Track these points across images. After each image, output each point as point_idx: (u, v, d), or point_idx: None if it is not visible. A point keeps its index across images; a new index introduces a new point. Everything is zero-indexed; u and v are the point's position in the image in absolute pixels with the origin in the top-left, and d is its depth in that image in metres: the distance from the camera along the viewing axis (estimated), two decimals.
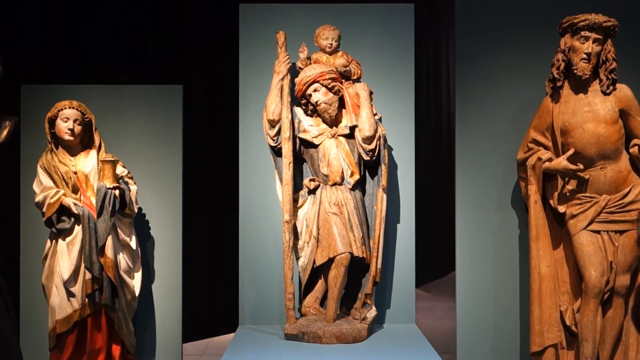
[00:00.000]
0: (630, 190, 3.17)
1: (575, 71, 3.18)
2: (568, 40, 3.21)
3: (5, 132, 1.23)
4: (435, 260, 7.79)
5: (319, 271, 3.53)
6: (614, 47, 3.18)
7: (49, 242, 3.57)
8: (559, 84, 3.25)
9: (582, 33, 3.15)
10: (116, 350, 3.62)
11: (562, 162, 3.16)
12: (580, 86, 3.23)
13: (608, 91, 3.19)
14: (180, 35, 5.34)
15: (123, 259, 3.62)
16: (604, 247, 3.18)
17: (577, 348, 3.24)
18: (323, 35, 3.58)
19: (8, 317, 1.31)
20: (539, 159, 3.24)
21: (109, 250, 3.51)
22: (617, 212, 3.18)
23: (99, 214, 3.49)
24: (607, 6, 3.31)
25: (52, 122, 3.57)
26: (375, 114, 3.51)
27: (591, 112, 3.17)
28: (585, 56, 3.15)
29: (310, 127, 3.53)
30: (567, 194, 3.23)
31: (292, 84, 3.53)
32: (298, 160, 3.58)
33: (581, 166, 3.14)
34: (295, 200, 3.49)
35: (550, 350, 3.26)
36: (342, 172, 3.48)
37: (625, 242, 3.17)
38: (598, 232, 3.19)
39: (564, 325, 3.28)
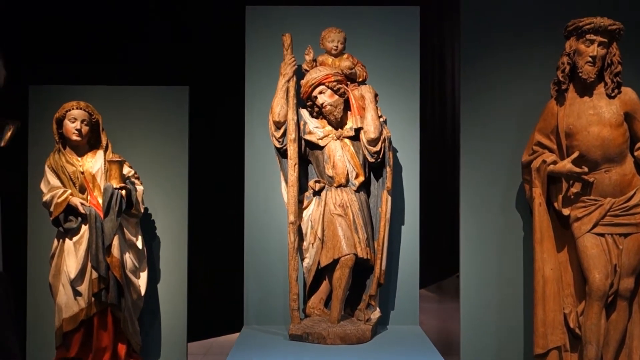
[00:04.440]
0: (634, 193, 3.17)
1: (580, 74, 3.19)
2: (573, 44, 3.21)
3: (7, 136, 1.25)
4: (440, 262, 7.79)
5: (323, 272, 3.54)
6: (619, 51, 3.19)
7: (56, 241, 3.60)
8: (564, 87, 3.26)
9: (587, 36, 3.15)
10: (122, 349, 3.65)
11: (566, 164, 3.16)
12: (585, 89, 3.24)
13: (613, 94, 3.19)
14: (186, 37, 5.37)
15: (129, 259, 3.64)
16: (608, 250, 3.18)
17: (581, 351, 3.24)
18: (329, 37, 3.60)
19: (9, 316, 1.32)
20: (544, 161, 3.25)
21: (115, 250, 3.53)
22: (622, 215, 3.18)
23: (106, 214, 3.51)
24: (613, 9, 3.31)
25: (60, 122, 3.60)
26: (380, 116, 3.52)
27: (596, 115, 3.18)
28: (590, 59, 3.15)
29: (316, 129, 3.54)
30: (572, 196, 3.24)
31: (298, 86, 3.55)
32: (303, 162, 3.60)
33: (586, 169, 3.14)
34: (300, 202, 3.51)
35: (553, 352, 3.26)
36: (347, 174, 3.50)
37: (630, 245, 3.17)
38: (602, 235, 3.19)
39: (567, 328, 3.28)
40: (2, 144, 1.26)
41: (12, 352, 1.28)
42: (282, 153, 3.54)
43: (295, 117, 3.48)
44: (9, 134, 1.27)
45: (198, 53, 5.39)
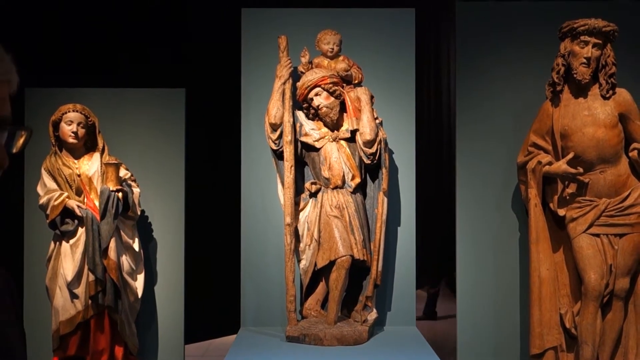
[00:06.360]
0: (629, 193, 3.19)
1: (575, 75, 3.20)
2: (568, 45, 3.22)
3: (20, 143, 1.24)
4: (436, 263, 7.79)
5: (320, 274, 3.54)
6: (613, 52, 3.20)
7: (52, 244, 3.59)
8: (558, 88, 3.27)
9: (582, 37, 3.16)
10: (119, 351, 3.65)
11: (562, 165, 3.18)
12: (580, 90, 3.25)
13: (607, 95, 3.21)
14: (183, 39, 5.37)
15: (126, 261, 3.64)
16: (604, 250, 3.19)
17: (577, 351, 3.25)
18: (324, 39, 3.60)
19: (10, 312, 1.30)
20: (539, 162, 3.26)
21: (112, 253, 3.53)
22: (617, 215, 3.19)
23: (102, 217, 3.51)
24: (607, 11, 3.33)
25: (56, 125, 3.60)
26: (376, 118, 3.53)
27: (591, 116, 3.19)
28: (584, 61, 3.16)
29: (312, 131, 3.55)
30: (567, 197, 3.25)
31: (294, 88, 3.55)
32: (299, 164, 3.60)
33: (581, 170, 3.15)
34: (296, 204, 3.51)
35: (550, 352, 3.27)
36: (343, 176, 3.50)
37: (625, 245, 3.18)
38: (598, 235, 3.21)
39: (563, 328, 3.29)
40: (15, 151, 1.25)
41: (15, 348, 1.26)
42: (279, 155, 3.55)
43: (292, 119, 3.49)
44: (22, 140, 1.26)
45: (194, 55, 5.39)
